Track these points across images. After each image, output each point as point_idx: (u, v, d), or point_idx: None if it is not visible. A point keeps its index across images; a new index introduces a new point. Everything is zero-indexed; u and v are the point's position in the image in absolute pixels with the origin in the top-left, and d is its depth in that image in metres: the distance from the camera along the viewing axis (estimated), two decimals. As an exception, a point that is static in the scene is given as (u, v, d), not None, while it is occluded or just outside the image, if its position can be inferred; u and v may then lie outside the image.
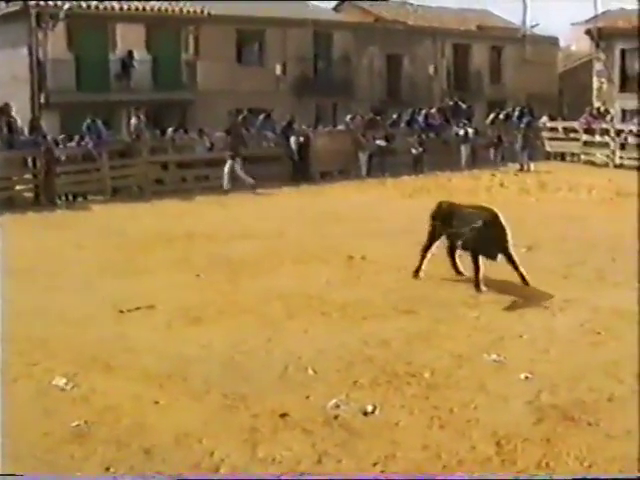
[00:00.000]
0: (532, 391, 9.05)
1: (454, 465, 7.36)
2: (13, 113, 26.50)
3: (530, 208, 22.26)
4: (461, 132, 33.12)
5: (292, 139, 29.51)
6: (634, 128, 33.24)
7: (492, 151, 31.34)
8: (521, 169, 30.83)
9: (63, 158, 25.60)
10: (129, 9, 34.00)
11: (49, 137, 26.23)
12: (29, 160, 25.48)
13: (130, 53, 33.59)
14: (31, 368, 9.89)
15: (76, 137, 26.27)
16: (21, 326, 11.38)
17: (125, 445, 7.78)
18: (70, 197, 25.37)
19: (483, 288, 13.14)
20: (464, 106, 36.98)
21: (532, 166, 31.08)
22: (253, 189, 25.49)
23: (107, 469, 7.34)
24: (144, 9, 34.29)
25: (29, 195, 25.25)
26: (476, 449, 7.67)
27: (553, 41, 48.58)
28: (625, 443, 7.76)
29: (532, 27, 48.65)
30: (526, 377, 9.51)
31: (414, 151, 31.74)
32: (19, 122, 26.59)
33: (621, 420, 8.25)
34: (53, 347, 10.66)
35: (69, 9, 32.03)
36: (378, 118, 33.47)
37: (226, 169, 26.49)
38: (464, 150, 32.68)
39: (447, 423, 8.27)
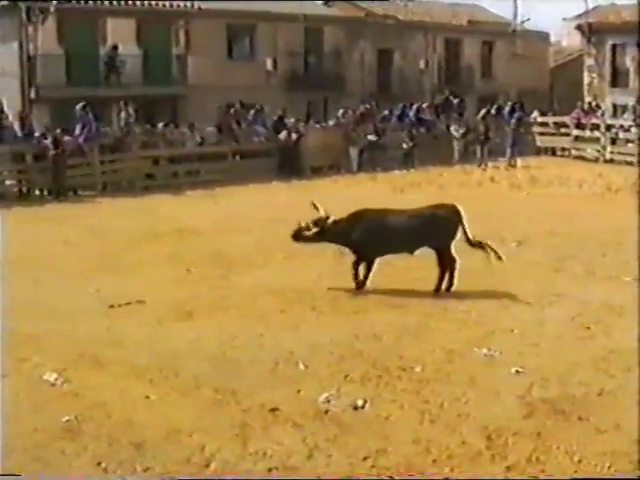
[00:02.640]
0: (523, 385, 9.07)
1: (444, 459, 7.37)
2: (4, 108, 26.49)
3: (521, 203, 22.29)
4: (454, 127, 33.00)
5: (282, 134, 29.47)
6: (625, 123, 33.28)
7: (478, 147, 31.25)
8: (510, 164, 30.81)
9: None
10: (119, 3, 33.91)
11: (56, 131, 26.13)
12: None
13: (115, 48, 33.44)
14: (20, 364, 9.87)
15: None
16: (10, 322, 11.35)
17: (116, 440, 7.78)
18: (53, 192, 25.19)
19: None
20: (455, 101, 36.97)
21: (518, 162, 31.01)
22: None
23: (98, 464, 7.33)
24: (134, 3, 34.19)
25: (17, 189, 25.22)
26: (466, 443, 7.68)
27: (544, 36, 48.55)
28: (615, 437, 7.78)
29: (523, 22, 48.60)
30: (517, 371, 9.53)
31: (405, 146, 31.69)
32: (10, 117, 26.55)
33: (611, 414, 8.27)
34: (43, 343, 10.64)
35: (59, 3, 31.94)
36: (369, 107, 33.45)
37: None
38: (457, 145, 32.60)
39: (438, 417, 8.28)
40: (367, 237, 13.11)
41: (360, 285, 13.16)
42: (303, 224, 13.14)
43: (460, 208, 13.41)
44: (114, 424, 8.13)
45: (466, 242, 13.21)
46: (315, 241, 13.29)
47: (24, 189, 25.24)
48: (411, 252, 13.40)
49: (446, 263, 13.10)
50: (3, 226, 19.00)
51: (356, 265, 13.22)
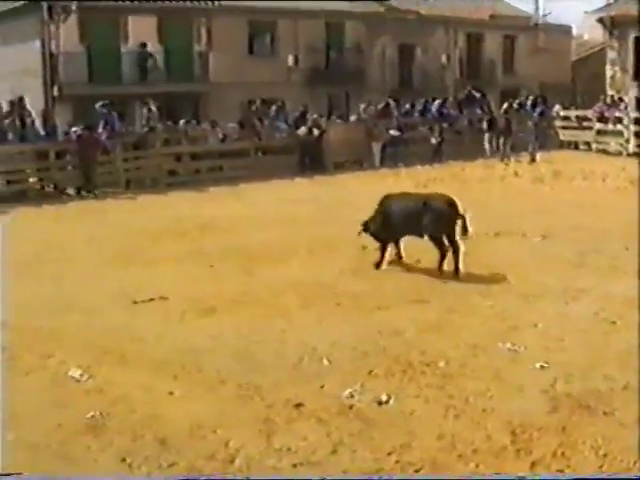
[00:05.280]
0: (547, 380, 9.02)
1: (469, 454, 7.35)
2: (27, 107, 26.61)
3: (544, 197, 22.21)
4: (485, 122, 32.80)
5: (301, 129, 29.47)
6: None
7: (501, 140, 31.15)
8: (533, 159, 30.67)
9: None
10: (140, 1, 33.99)
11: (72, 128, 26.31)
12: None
13: (143, 45, 33.62)
14: (45, 360, 9.91)
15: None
16: (34, 318, 11.42)
17: (140, 436, 7.79)
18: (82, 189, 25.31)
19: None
20: (478, 95, 36.89)
21: (538, 156, 30.83)
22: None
23: (123, 460, 7.35)
24: (155, 1, 34.27)
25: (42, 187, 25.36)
26: (491, 439, 7.65)
27: (566, 29, 48.41)
28: (640, 432, 7.73)
29: (545, 16, 48.55)
30: (541, 366, 9.49)
31: (433, 140, 31.70)
32: (33, 115, 26.66)
33: (636, 409, 8.21)
34: (67, 339, 10.68)
35: (80, 2, 32.05)
36: (390, 101, 33.35)
37: None
38: (487, 139, 32.35)
39: (462, 412, 8.26)
40: (379, 223, 14.00)
41: (377, 266, 13.99)
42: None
43: (457, 201, 13.78)
44: (138, 420, 8.15)
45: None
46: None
47: (47, 187, 25.36)
48: (421, 236, 13.81)
49: (441, 250, 13.60)
50: (29, 223, 19.14)
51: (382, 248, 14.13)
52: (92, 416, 8.22)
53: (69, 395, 8.84)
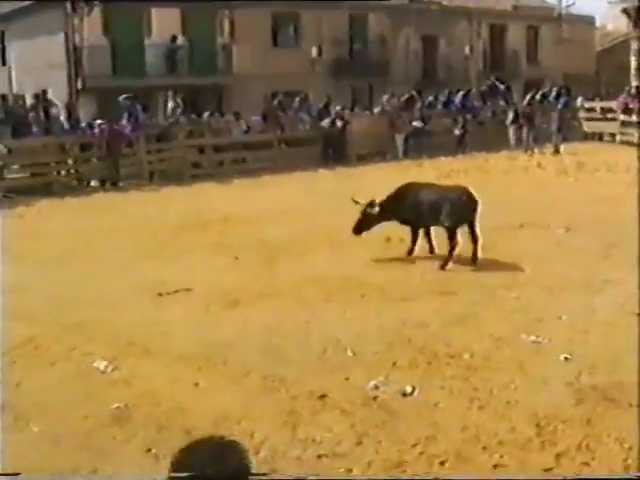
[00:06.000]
0: (572, 372, 8.99)
1: (494, 446, 7.34)
2: (53, 100, 26.69)
3: (568, 188, 22.12)
4: (510, 113, 32.68)
5: (325, 121, 29.49)
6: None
7: (525, 132, 31.06)
8: (556, 150, 30.57)
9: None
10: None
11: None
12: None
13: (174, 38, 33.75)
14: (70, 352, 9.96)
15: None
16: (59, 310, 11.48)
17: (165, 427, 7.82)
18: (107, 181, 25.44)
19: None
20: (501, 86, 36.77)
21: (562, 147, 30.72)
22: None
23: (148, 450, 7.38)
24: (179, -7, 34.35)
25: (67, 180, 25.48)
26: (516, 430, 7.65)
27: (590, 20, 48.18)
28: (666, 424, 7.70)
29: (568, 6, 48.28)
30: (565, 358, 9.46)
31: (457, 132, 31.65)
32: (59, 106, 26.77)
33: (662, 401, 8.18)
34: (91, 331, 10.72)
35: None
36: (414, 94, 33.23)
37: None
38: (511, 131, 32.26)
39: (487, 404, 8.25)
40: (408, 210, 14.01)
41: (409, 252, 14.16)
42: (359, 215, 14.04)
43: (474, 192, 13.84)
44: (164, 411, 8.18)
45: None
46: (374, 224, 14.19)
47: (71, 179, 25.48)
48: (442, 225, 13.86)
49: (451, 242, 13.58)
50: (53, 216, 19.21)
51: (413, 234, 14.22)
52: (117, 407, 8.27)
53: (94, 386, 8.89)
